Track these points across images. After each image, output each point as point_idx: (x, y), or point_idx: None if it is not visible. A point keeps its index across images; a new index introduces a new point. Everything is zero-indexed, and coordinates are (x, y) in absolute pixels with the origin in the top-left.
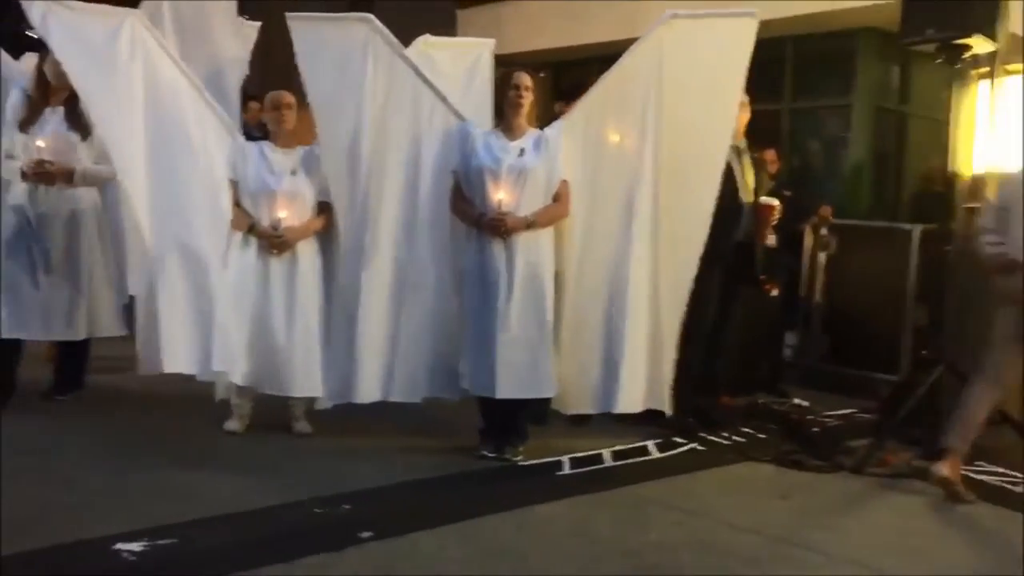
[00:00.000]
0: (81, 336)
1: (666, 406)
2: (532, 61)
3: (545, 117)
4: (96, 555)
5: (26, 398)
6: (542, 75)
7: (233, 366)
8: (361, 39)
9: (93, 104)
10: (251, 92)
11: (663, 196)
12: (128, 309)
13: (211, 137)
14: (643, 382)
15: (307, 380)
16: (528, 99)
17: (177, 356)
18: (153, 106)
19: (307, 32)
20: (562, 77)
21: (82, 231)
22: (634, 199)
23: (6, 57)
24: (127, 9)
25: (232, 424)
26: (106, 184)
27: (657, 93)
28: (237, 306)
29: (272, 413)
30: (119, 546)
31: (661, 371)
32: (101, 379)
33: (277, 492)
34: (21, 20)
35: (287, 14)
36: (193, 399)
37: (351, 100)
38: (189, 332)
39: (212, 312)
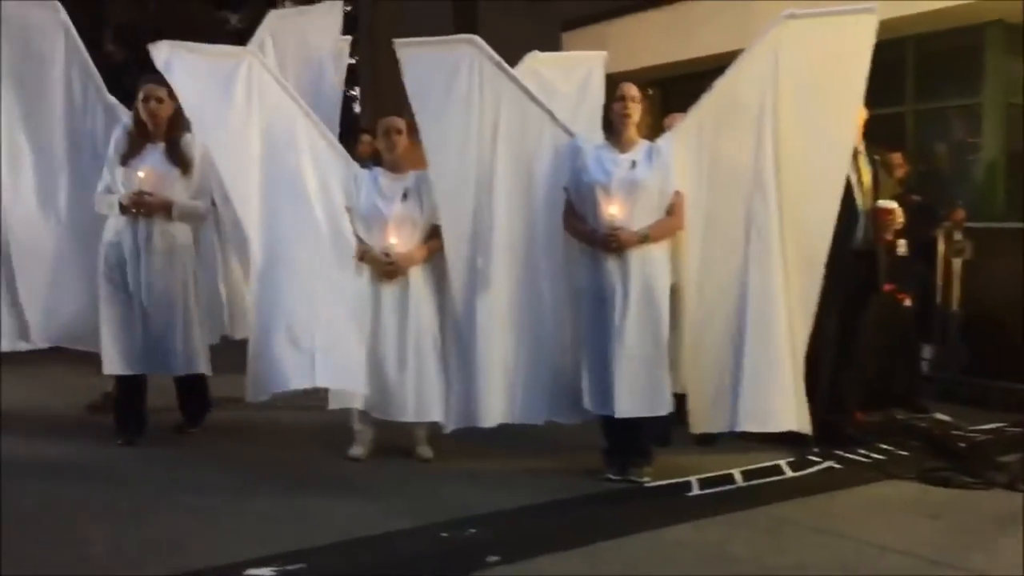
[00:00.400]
0: (179, 371)
1: (804, 424)
2: (640, 78)
3: (656, 134)
4: None
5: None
6: (650, 92)
7: (356, 394)
8: (467, 60)
9: (210, 140)
10: (363, 125)
11: (785, 204)
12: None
13: (327, 167)
14: (776, 399)
15: (420, 405)
16: (635, 109)
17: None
18: (269, 140)
19: (414, 57)
20: (671, 93)
21: (179, 266)
22: (753, 208)
23: (114, 99)
24: (244, 48)
25: (355, 450)
26: (201, 221)
27: (774, 97)
28: (354, 333)
29: (395, 438)
30: (250, 572)
31: (796, 388)
32: (225, 412)
33: (402, 516)
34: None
35: (395, 40)
36: (315, 427)
37: (460, 122)
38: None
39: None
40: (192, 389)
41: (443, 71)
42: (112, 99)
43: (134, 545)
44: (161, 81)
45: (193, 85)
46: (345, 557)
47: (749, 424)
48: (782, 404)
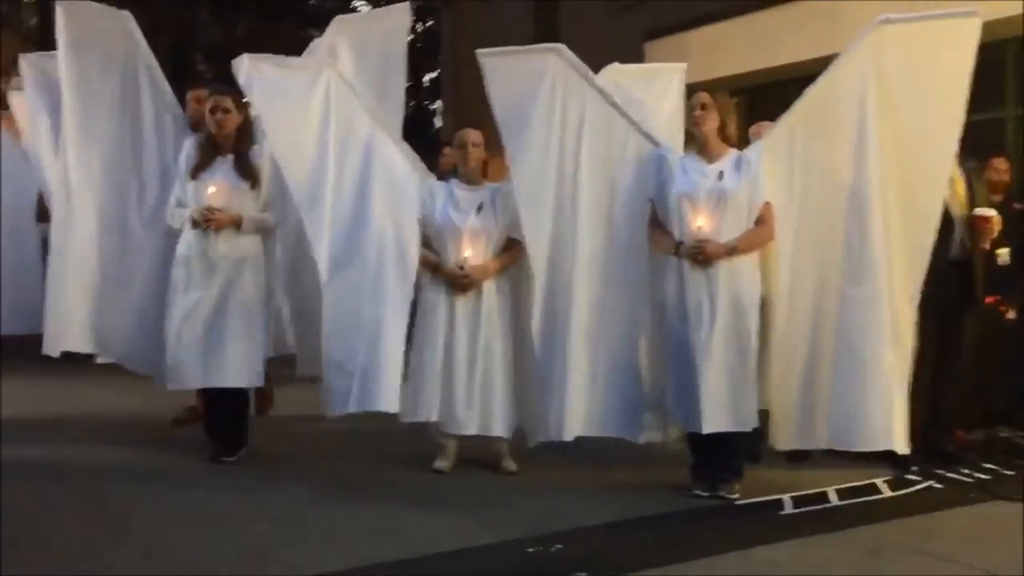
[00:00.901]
0: (244, 384)
1: (901, 444)
2: (723, 88)
3: (742, 143)
4: None
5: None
6: (735, 100)
7: (431, 407)
8: (552, 69)
9: (285, 154)
10: (444, 139)
11: (884, 214)
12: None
13: (400, 180)
14: (870, 418)
15: (484, 419)
16: (708, 117)
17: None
18: (343, 153)
19: (498, 66)
20: (756, 102)
21: (248, 279)
22: (849, 219)
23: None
24: (323, 62)
25: (440, 463)
26: (270, 233)
27: (870, 104)
28: (428, 347)
29: (479, 451)
30: None
31: (896, 406)
32: (308, 423)
33: (488, 530)
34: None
35: (478, 51)
36: (400, 438)
37: (543, 131)
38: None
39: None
40: (233, 414)
41: (527, 80)
42: (180, 110)
43: (223, 553)
44: (227, 91)
45: (272, 99)
46: (431, 571)
47: (838, 443)
48: (876, 423)
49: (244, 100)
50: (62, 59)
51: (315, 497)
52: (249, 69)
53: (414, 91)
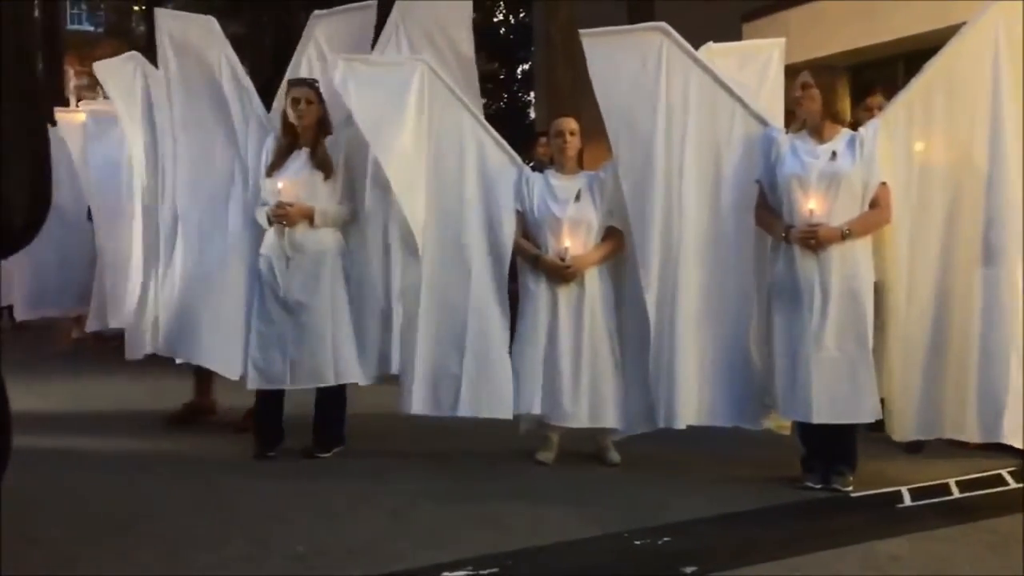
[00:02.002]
0: (329, 382)
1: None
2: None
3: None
4: None
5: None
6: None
7: (534, 399)
8: (655, 48)
9: (384, 151)
10: (541, 128)
11: (1015, 197)
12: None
13: (495, 171)
14: (991, 408)
15: (594, 411)
16: (811, 96)
17: (487, 401)
18: (438, 148)
19: (600, 47)
20: (861, 80)
21: (326, 273)
22: (973, 200)
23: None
24: (417, 59)
25: (543, 455)
26: (346, 224)
27: (995, 81)
28: (531, 339)
29: (582, 442)
30: (445, 575)
31: (1016, 395)
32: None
33: (593, 523)
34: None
35: (581, 31)
36: (500, 429)
37: (647, 112)
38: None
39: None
40: (330, 411)
41: (629, 60)
42: (263, 110)
43: (334, 546)
44: (306, 83)
45: (369, 97)
46: (536, 563)
47: (956, 432)
48: (990, 414)
49: (322, 95)
50: (167, 61)
51: (417, 491)
52: (344, 71)
53: (508, 82)
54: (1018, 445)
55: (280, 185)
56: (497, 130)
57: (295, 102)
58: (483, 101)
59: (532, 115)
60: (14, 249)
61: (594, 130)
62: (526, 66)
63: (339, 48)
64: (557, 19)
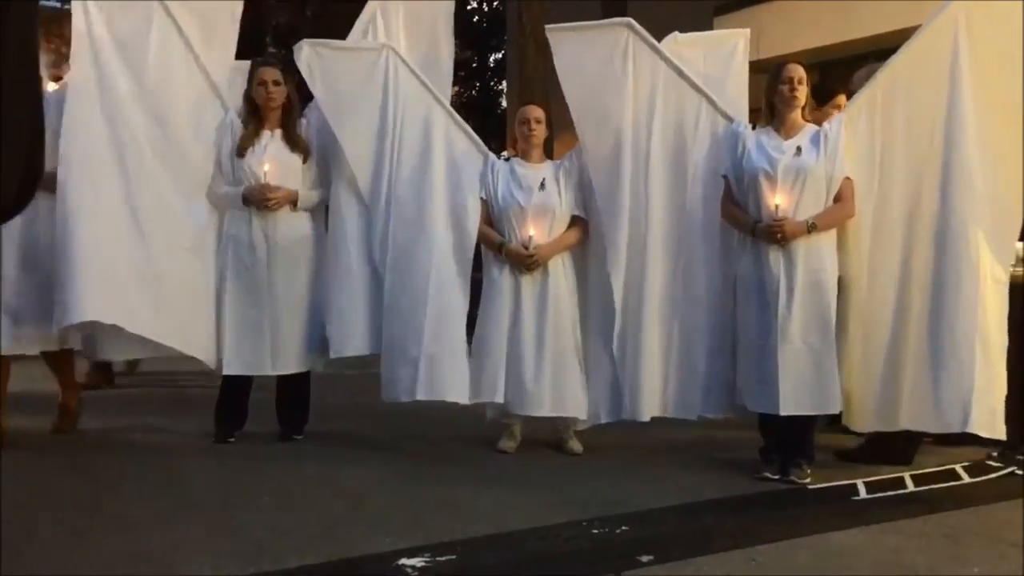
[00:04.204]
0: (297, 369)
1: (992, 427)
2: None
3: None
4: (381, 569)
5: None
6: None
7: (497, 387)
8: (622, 43)
9: (348, 136)
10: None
11: (971, 192)
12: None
13: (461, 159)
14: (951, 399)
15: (557, 400)
16: (803, 92)
17: (443, 384)
18: (404, 135)
19: (567, 42)
20: (830, 77)
21: (304, 258)
22: (933, 196)
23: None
24: (382, 44)
25: (505, 443)
26: (318, 208)
27: (954, 78)
28: (494, 326)
29: (543, 432)
30: (403, 561)
31: (986, 388)
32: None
33: (553, 511)
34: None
35: (547, 27)
36: (464, 417)
37: (614, 107)
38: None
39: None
40: (296, 393)
41: (597, 56)
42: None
43: (293, 530)
44: (275, 64)
45: (333, 83)
46: (495, 550)
47: (915, 423)
48: (956, 405)
49: (289, 74)
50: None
51: (378, 477)
52: (308, 55)
53: (480, 70)
54: (986, 435)
55: (267, 168)
56: (469, 118)
57: (262, 83)
58: (455, 89)
59: (504, 104)
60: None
61: (566, 120)
62: (499, 55)
63: (417, 24)
64: (530, 11)
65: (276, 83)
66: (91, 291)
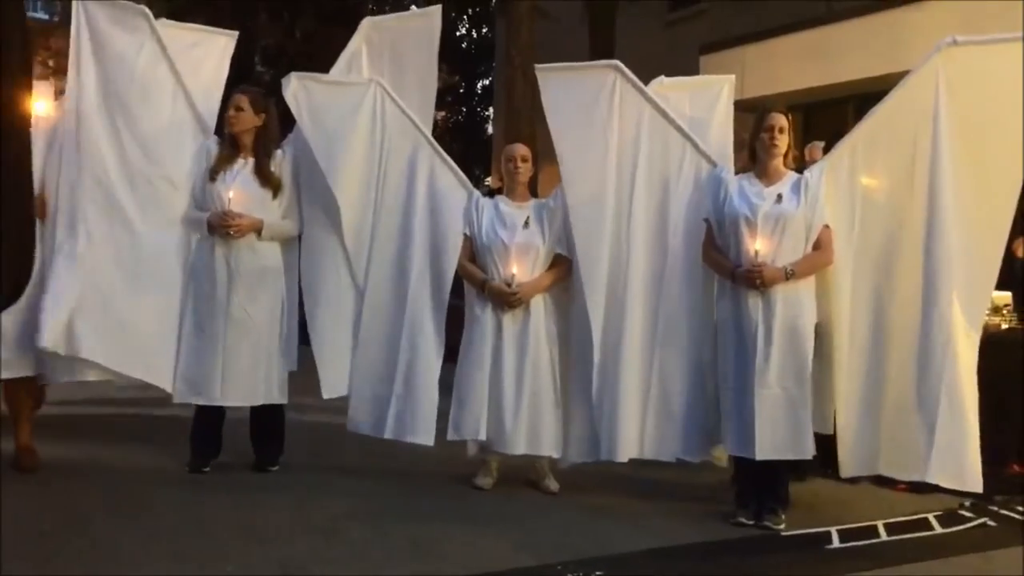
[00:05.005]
0: (260, 401)
1: (961, 479)
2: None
3: (798, 162)
4: None
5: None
6: (789, 117)
7: (480, 424)
8: (609, 85)
9: (333, 169)
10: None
11: (949, 242)
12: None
13: (444, 196)
14: (926, 448)
15: (533, 438)
16: (783, 141)
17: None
18: (389, 166)
19: (555, 81)
20: (813, 119)
21: (268, 290)
22: (912, 246)
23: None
24: (369, 79)
25: (481, 480)
26: (290, 244)
27: (936, 129)
28: (476, 364)
29: (521, 469)
30: None
31: (954, 437)
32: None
33: (526, 552)
34: None
35: (536, 66)
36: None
37: (599, 148)
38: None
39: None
40: (270, 424)
41: (583, 96)
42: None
43: (261, 566)
44: (246, 91)
45: (320, 116)
46: None
47: (891, 471)
48: (931, 453)
49: (263, 104)
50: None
51: (352, 511)
52: (296, 88)
53: (467, 96)
54: (955, 487)
55: (231, 194)
56: (455, 142)
57: (226, 108)
58: (442, 114)
59: (490, 130)
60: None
61: (550, 151)
62: (486, 81)
63: (402, 54)
64: (518, 40)
65: (238, 108)
66: (55, 319)
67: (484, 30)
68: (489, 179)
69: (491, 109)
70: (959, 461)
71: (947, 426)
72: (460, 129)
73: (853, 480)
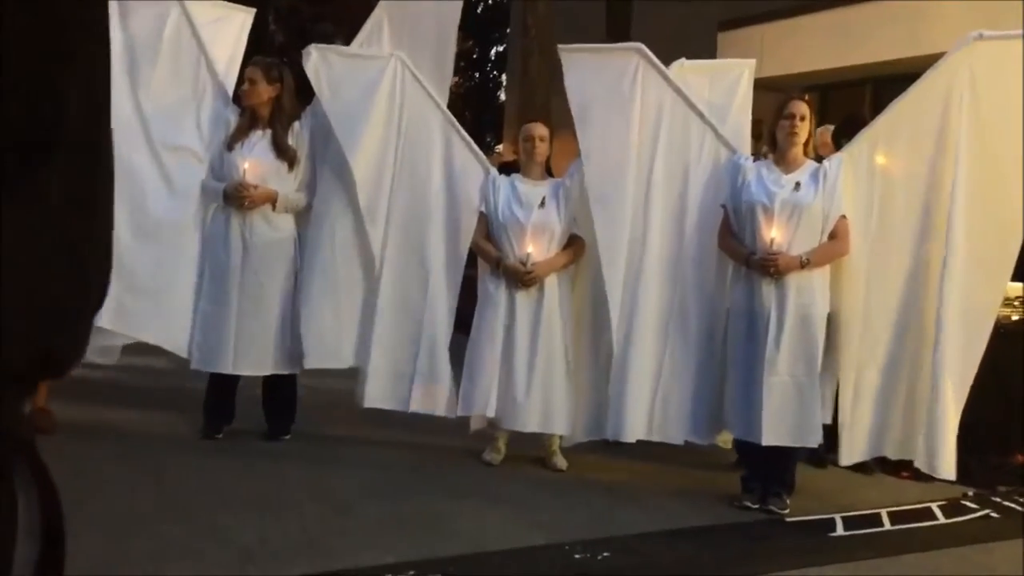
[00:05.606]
0: (270, 371)
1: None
2: (798, 84)
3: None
4: None
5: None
6: (807, 98)
7: (489, 400)
8: (631, 68)
9: (351, 143)
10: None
11: (965, 239)
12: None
13: (462, 173)
14: (922, 436)
15: (546, 416)
16: (804, 129)
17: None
18: (407, 146)
19: (578, 63)
20: (830, 100)
21: (281, 260)
22: (929, 240)
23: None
24: (390, 53)
25: (490, 455)
26: (305, 215)
27: (960, 124)
28: (488, 341)
29: (529, 445)
30: None
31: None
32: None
33: (536, 531)
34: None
35: (559, 46)
36: (447, 422)
37: (620, 130)
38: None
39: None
40: (282, 394)
41: (606, 78)
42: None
43: (276, 537)
44: (260, 63)
45: (340, 90)
46: (483, 569)
47: (898, 453)
48: (928, 443)
49: (276, 73)
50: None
51: (364, 485)
52: (316, 60)
53: (481, 61)
54: (943, 476)
55: (247, 165)
56: (467, 109)
57: (242, 80)
58: (455, 79)
59: (502, 97)
60: None
61: (564, 123)
62: (500, 47)
63: (423, 30)
64: (536, 10)
65: (252, 82)
66: None
67: None
68: (500, 147)
69: (504, 76)
70: (933, 446)
71: (932, 411)
72: (472, 95)
73: (864, 469)
